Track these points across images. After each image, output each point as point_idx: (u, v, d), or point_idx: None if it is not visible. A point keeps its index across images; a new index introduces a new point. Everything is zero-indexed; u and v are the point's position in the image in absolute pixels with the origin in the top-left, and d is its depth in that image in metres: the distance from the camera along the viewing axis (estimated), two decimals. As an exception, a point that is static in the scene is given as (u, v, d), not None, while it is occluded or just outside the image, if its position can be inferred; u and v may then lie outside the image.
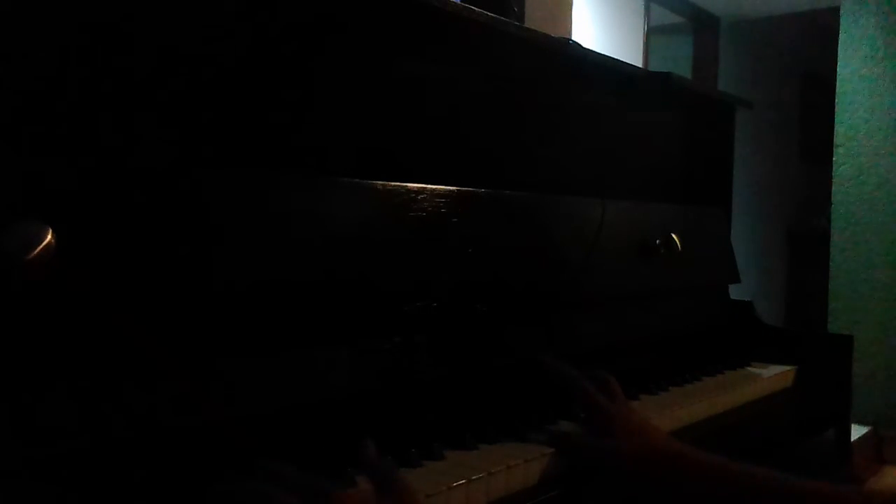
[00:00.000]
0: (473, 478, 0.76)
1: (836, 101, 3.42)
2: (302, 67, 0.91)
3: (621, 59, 1.42)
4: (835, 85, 3.43)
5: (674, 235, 1.36)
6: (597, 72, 1.35)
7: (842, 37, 3.40)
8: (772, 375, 1.36)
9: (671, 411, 1.07)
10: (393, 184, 0.93)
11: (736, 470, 0.83)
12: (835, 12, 3.47)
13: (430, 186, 0.97)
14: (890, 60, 3.30)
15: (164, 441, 0.67)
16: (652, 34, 3.92)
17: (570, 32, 2.40)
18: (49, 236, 0.60)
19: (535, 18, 1.87)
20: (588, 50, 1.31)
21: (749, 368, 1.39)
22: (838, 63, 3.41)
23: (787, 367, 1.41)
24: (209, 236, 0.75)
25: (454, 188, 1.01)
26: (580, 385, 0.93)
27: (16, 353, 0.60)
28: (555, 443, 0.87)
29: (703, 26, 4.43)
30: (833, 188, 3.43)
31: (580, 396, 0.93)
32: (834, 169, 3.43)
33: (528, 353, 1.07)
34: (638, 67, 2.03)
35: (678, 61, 4.31)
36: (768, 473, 0.82)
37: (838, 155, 3.42)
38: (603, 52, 1.41)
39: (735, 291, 1.66)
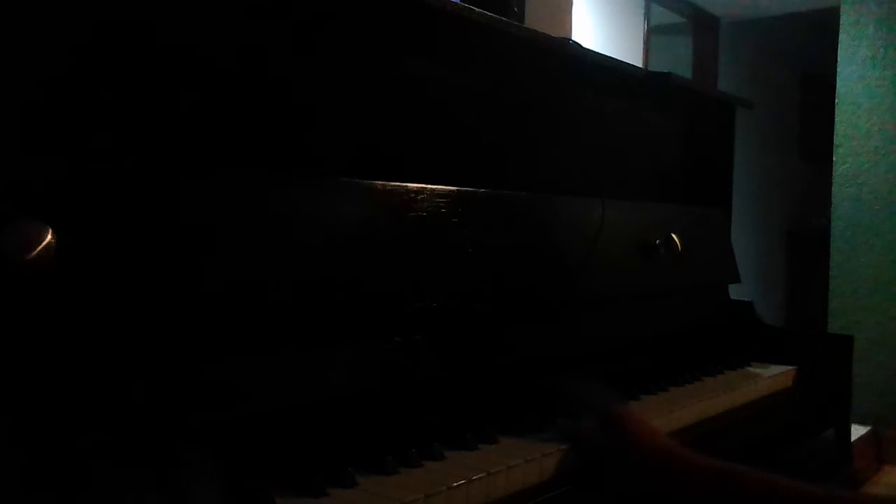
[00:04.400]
0: (473, 478, 0.76)
1: (836, 101, 3.41)
2: (302, 68, 0.91)
3: (621, 59, 1.42)
4: (835, 85, 3.42)
5: (674, 235, 1.36)
6: (597, 72, 1.35)
7: (842, 37, 3.40)
8: (772, 375, 1.36)
9: (671, 411, 1.07)
10: (393, 184, 0.93)
11: (733, 471, 0.84)
12: (835, 12, 3.47)
13: (430, 186, 0.97)
14: (890, 60, 3.30)
15: (165, 440, 0.67)
16: (652, 34, 3.91)
17: (570, 32, 2.40)
18: (49, 236, 0.60)
19: (535, 18, 1.87)
20: (588, 50, 1.31)
21: (749, 368, 1.39)
22: (838, 63, 3.40)
23: (787, 367, 1.41)
24: (210, 236, 0.75)
25: (454, 188, 1.01)
26: (595, 396, 0.95)
27: (15, 353, 0.60)
28: (566, 437, 0.89)
29: (703, 26, 4.43)
30: (833, 188, 3.43)
31: (596, 404, 0.94)
32: (834, 169, 3.42)
33: (528, 354, 1.07)
34: (638, 67, 2.02)
35: (678, 61, 4.30)
36: (766, 476, 0.82)
37: (838, 155, 3.41)
38: (603, 52, 1.41)
39: (735, 291, 1.66)
